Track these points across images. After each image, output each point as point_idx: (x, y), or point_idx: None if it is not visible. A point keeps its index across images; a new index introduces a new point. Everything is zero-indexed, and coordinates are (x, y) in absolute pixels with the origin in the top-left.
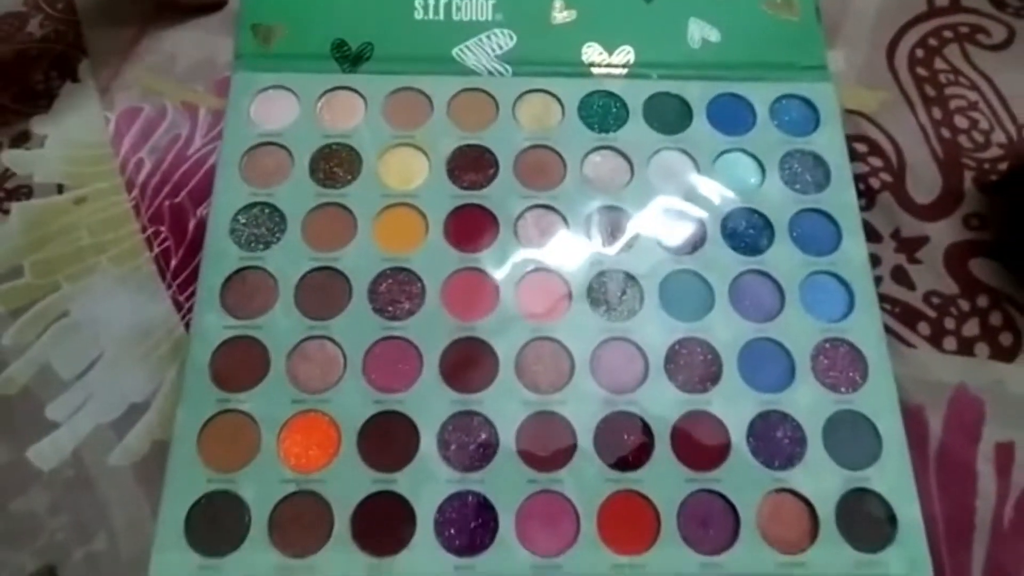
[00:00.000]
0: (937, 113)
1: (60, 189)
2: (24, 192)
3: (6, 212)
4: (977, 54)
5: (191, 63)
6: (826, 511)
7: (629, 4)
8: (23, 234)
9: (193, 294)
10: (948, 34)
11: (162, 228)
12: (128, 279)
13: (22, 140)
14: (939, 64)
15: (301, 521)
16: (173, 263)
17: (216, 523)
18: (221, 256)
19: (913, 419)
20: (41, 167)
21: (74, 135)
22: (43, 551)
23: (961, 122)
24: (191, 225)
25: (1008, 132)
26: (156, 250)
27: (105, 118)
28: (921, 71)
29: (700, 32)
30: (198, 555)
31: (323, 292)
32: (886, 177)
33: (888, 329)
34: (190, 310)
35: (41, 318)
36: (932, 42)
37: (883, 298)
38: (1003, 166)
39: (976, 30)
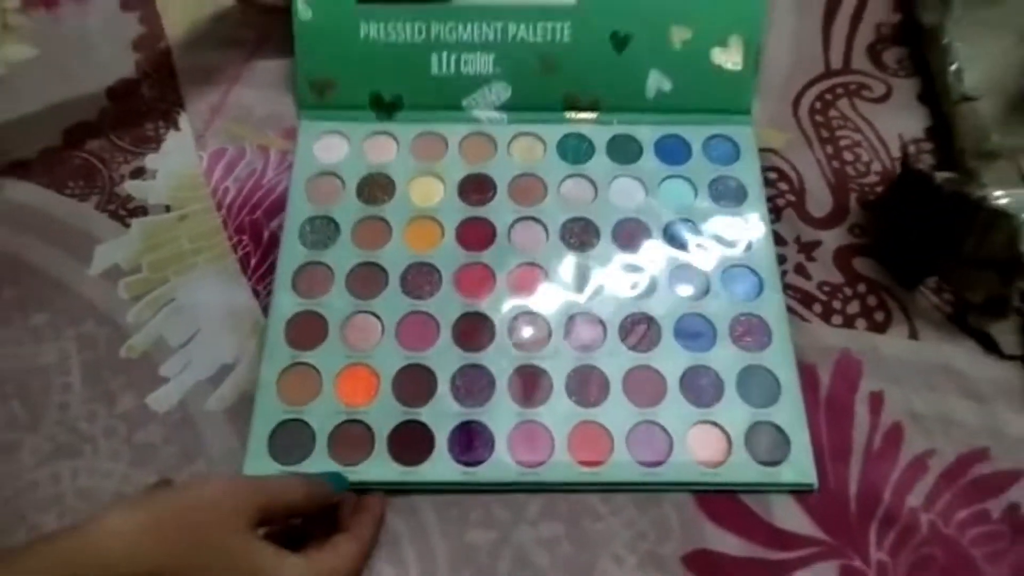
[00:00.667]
0: (830, 150)
1: (168, 209)
2: (141, 211)
3: (128, 225)
4: (862, 105)
5: (263, 115)
6: (738, 437)
7: (602, 56)
8: (141, 241)
9: (267, 286)
10: (840, 90)
11: (244, 237)
12: (219, 275)
13: (139, 174)
14: (832, 112)
15: (351, 440)
16: (252, 262)
17: (290, 441)
18: (293, 253)
19: (808, 374)
20: (153, 193)
21: (177, 169)
22: (160, 470)
23: (848, 156)
24: (265, 235)
25: (884, 164)
26: (239, 253)
27: (199, 156)
28: (819, 118)
29: (656, 83)
30: (277, 463)
31: (367, 280)
32: (791, 197)
33: (790, 309)
34: (266, 296)
35: (155, 303)
36: (828, 96)
37: (787, 286)
38: (880, 189)
39: (862, 87)
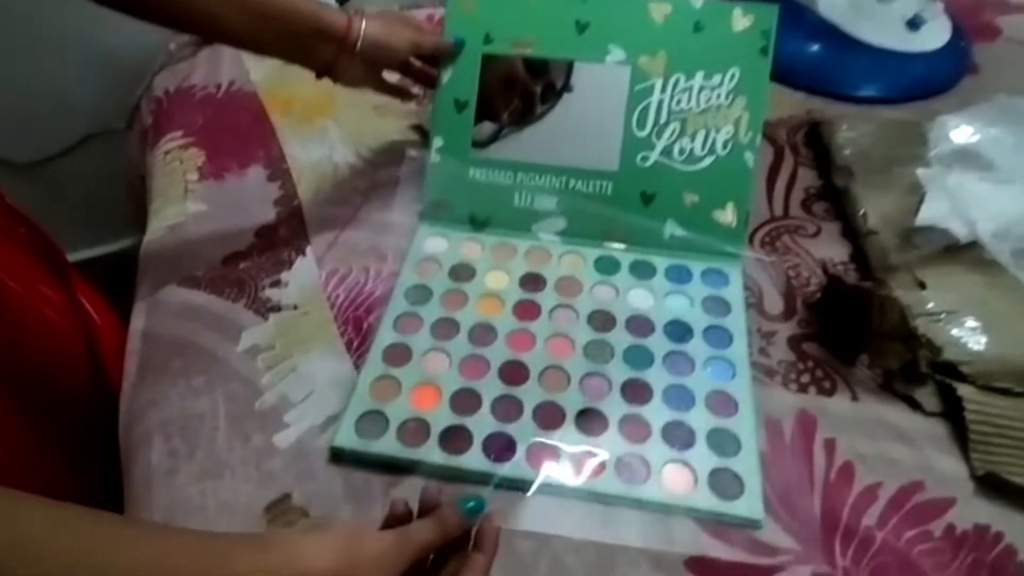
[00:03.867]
0: (778, 267)
1: (295, 307)
2: (276, 309)
3: (267, 318)
4: (800, 239)
5: (366, 247)
6: (703, 476)
7: (633, 207)
8: (275, 328)
9: (363, 361)
10: (783, 229)
11: (348, 328)
12: (329, 352)
13: (276, 284)
14: (779, 244)
15: (414, 431)
16: (354, 344)
17: (370, 426)
18: (398, 305)
19: (774, 426)
20: (285, 296)
21: (302, 282)
22: (279, 489)
23: (792, 273)
24: (364, 326)
25: (819, 278)
26: (345, 339)
27: (320, 274)
28: (768, 248)
29: (671, 229)
30: (359, 437)
31: (445, 330)
32: (752, 300)
33: (756, 378)
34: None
35: (282, 371)
36: (774, 233)
37: (754, 364)
38: (817, 295)
39: (799, 227)
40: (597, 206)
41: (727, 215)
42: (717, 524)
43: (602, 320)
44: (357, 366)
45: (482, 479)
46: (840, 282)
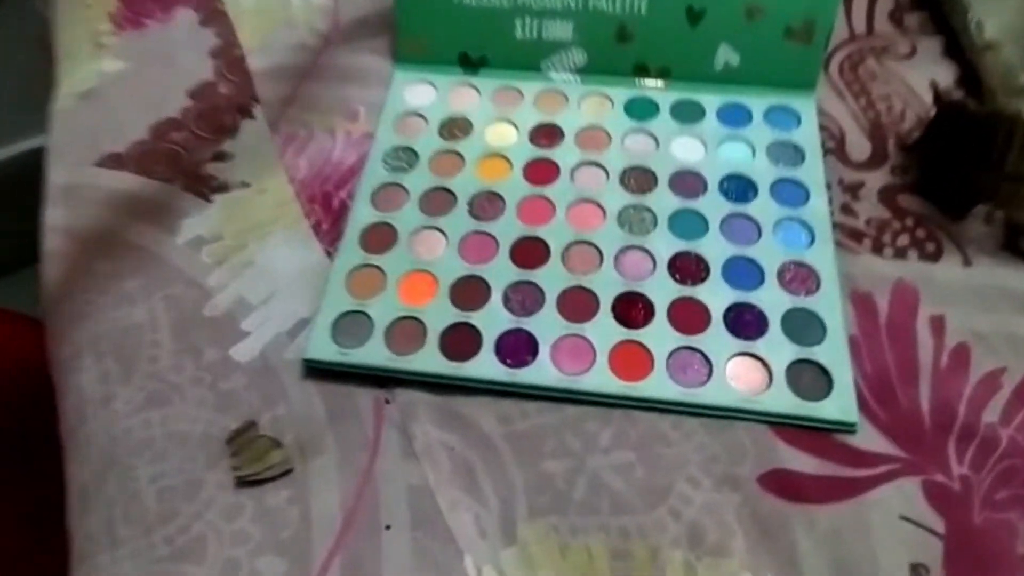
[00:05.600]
0: (863, 102)
1: (245, 185)
2: (222, 187)
3: (211, 200)
4: (889, 63)
5: (330, 103)
6: (779, 370)
7: (675, 28)
8: (222, 212)
9: (337, 246)
10: (867, 51)
11: (315, 206)
12: (293, 239)
13: (220, 157)
14: (861, 70)
15: (406, 333)
16: (324, 227)
17: (351, 329)
18: (375, 174)
19: (864, 301)
20: (233, 172)
21: (253, 152)
22: (243, 415)
23: (881, 106)
24: (335, 203)
25: (917, 112)
26: (311, 220)
27: (274, 140)
28: (849, 76)
29: (725, 56)
30: (337, 346)
31: (437, 201)
32: (831, 144)
33: (839, 244)
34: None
35: (236, 266)
36: (855, 57)
37: (835, 225)
38: (916, 134)
39: (887, 48)
40: (627, 30)
41: (800, 32)
42: (798, 430)
43: (639, 179)
44: (330, 255)
45: (497, 389)
46: (959, 108)
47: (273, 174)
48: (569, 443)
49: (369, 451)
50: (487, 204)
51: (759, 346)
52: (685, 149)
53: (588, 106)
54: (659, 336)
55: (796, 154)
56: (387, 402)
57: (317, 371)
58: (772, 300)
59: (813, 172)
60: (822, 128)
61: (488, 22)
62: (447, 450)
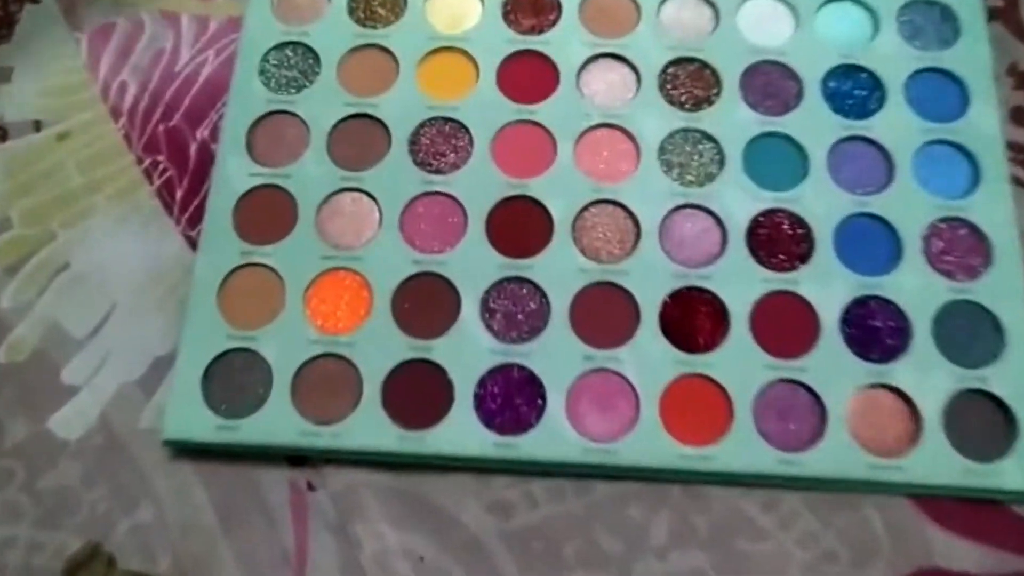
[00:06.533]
0: None
1: (38, 126)
2: (1, 134)
3: None
4: None
5: None
6: (931, 412)
7: None
8: (4, 181)
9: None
10: None
11: (160, 157)
12: (130, 218)
13: None
14: None
15: (327, 385)
16: (179, 194)
17: (236, 382)
18: (248, 98)
19: None
20: (11, 104)
21: (43, 63)
22: (84, 527)
23: None
24: (192, 150)
25: None
26: (157, 182)
27: (75, 39)
28: None
29: None
30: (215, 415)
31: (359, 141)
32: (1000, 3)
33: (1017, 181)
34: None
35: (40, 272)
36: None
37: (1011, 147)
38: None
39: None
40: None
41: None
42: (957, 503)
43: (690, 82)
44: (191, 241)
45: (484, 467)
46: None
47: (81, 103)
48: (603, 543)
49: (291, 569)
50: (441, 141)
51: (898, 371)
52: (761, 22)
53: None
54: (737, 362)
55: (945, 23)
56: (311, 488)
57: (187, 451)
58: (915, 289)
59: (975, 54)
60: None
61: None
62: (412, 561)
